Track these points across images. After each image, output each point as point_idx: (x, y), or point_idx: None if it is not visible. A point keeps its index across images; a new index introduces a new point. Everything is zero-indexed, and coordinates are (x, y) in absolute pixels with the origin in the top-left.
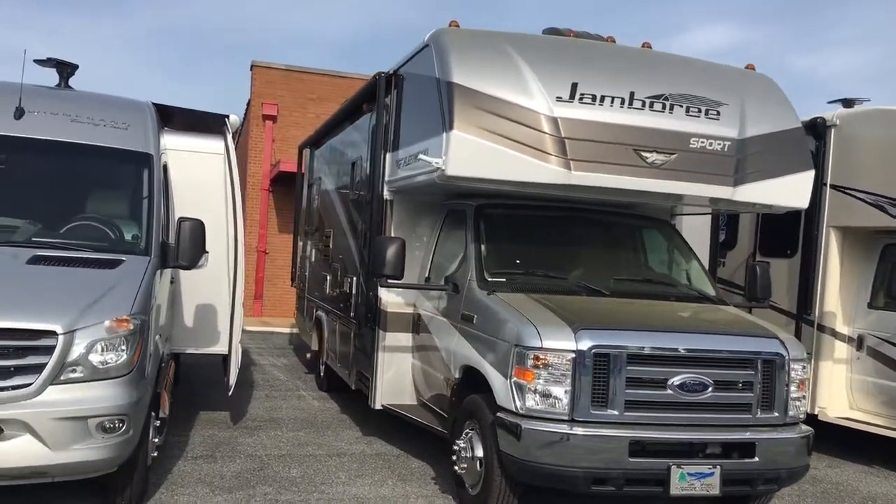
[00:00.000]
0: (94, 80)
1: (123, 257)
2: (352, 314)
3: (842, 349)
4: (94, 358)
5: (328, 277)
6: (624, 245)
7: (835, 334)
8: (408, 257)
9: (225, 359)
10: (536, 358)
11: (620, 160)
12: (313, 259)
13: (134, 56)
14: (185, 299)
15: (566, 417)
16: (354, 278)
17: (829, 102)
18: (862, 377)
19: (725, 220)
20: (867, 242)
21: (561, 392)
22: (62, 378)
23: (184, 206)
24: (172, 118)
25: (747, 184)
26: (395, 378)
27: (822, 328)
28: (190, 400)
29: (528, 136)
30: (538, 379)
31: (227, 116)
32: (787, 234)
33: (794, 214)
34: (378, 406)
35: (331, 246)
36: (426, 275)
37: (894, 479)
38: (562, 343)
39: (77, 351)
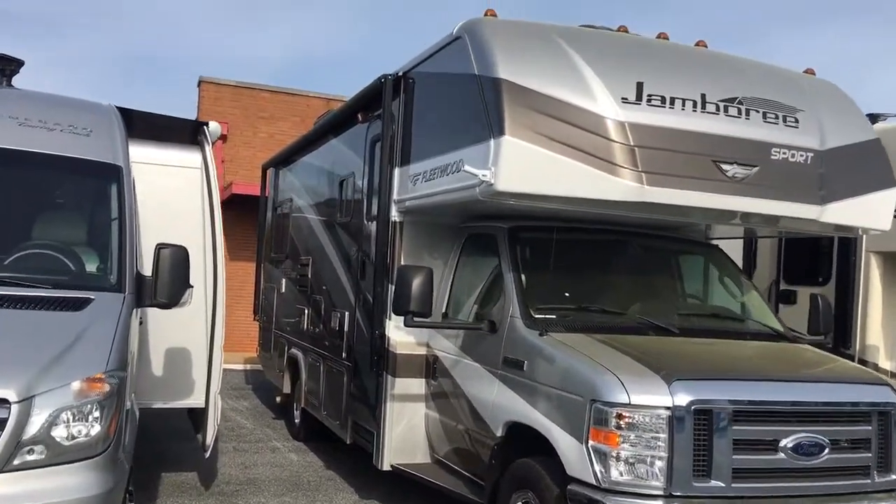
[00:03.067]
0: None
1: (91, 294)
2: (344, 355)
3: None
4: (59, 433)
5: (307, 311)
6: (674, 272)
7: (878, 370)
8: None
9: (192, 410)
10: (621, 416)
11: (698, 173)
12: (284, 289)
13: (71, 76)
14: (152, 342)
15: (662, 492)
16: (346, 313)
17: None
18: None
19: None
20: None
21: (655, 459)
22: (16, 462)
23: (150, 230)
24: (136, 125)
25: (834, 202)
26: (407, 433)
27: (863, 362)
28: (149, 457)
29: (593, 143)
30: (624, 443)
31: (206, 124)
32: (818, 259)
33: (824, 239)
34: (386, 467)
35: (310, 275)
36: (443, 310)
37: None
38: (654, 397)
39: (36, 424)
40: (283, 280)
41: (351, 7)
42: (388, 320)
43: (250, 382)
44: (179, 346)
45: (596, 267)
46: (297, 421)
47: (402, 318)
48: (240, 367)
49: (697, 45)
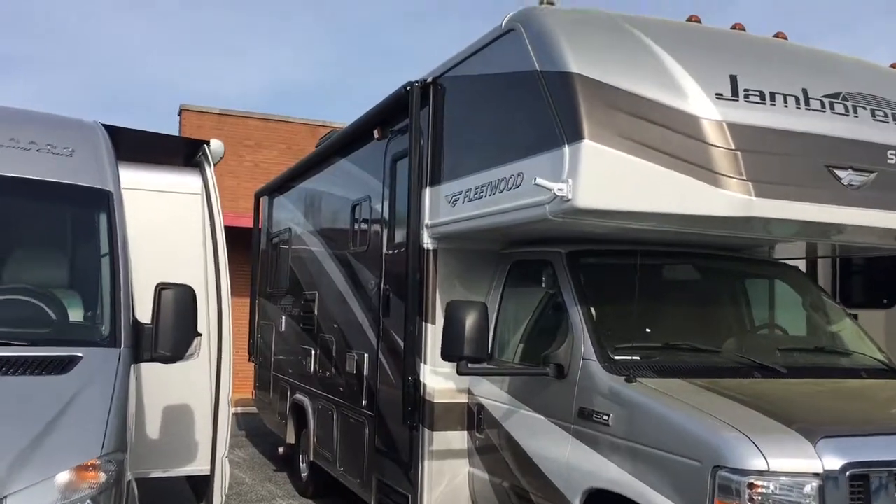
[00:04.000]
0: None
1: (79, 351)
2: (364, 403)
3: None
4: None
5: (314, 352)
6: (757, 298)
7: None
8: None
9: (193, 476)
10: (755, 486)
11: (811, 181)
12: (284, 328)
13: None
14: (147, 398)
15: None
16: (366, 356)
17: None
18: None
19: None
20: None
21: None
22: None
23: (144, 268)
24: (125, 144)
25: None
26: (448, 495)
27: None
28: None
29: (688, 148)
30: None
31: (207, 142)
32: (882, 280)
33: (888, 259)
34: None
35: (316, 312)
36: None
37: None
38: (799, 461)
39: None
40: (283, 317)
41: (326, 38)
42: (422, 364)
43: (244, 428)
44: (179, 403)
45: (672, 295)
46: (304, 475)
47: (448, 363)
48: (231, 410)
49: (777, 37)
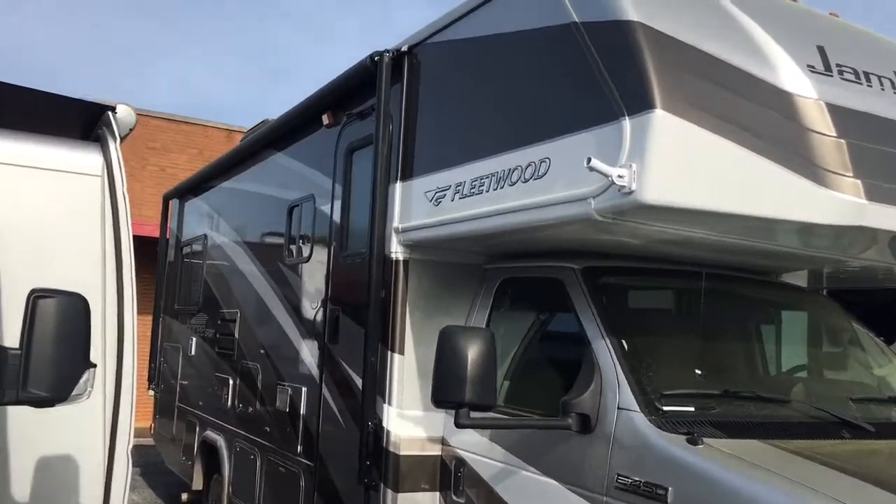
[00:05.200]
0: None
1: None
2: (300, 449)
3: None
4: None
5: (232, 382)
6: (797, 333)
7: None
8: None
9: None
10: None
11: None
12: (194, 351)
13: None
14: (12, 448)
15: None
16: (304, 390)
17: None
18: None
19: None
20: None
21: None
22: None
23: (14, 272)
24: None
25: None
26: None
27: None
28: None
29: (782, 131)
30: None
31: (113, 108)
32: (879, 316)
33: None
34: None
35: (237, 334)
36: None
37: None
38: None
39: None
40: (194, 339)
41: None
42: (386, 405)
43: (139, 464)
44: (58, 453)
45: (713, 326)
46: None
47: (438, 408)
48: (131, 463)
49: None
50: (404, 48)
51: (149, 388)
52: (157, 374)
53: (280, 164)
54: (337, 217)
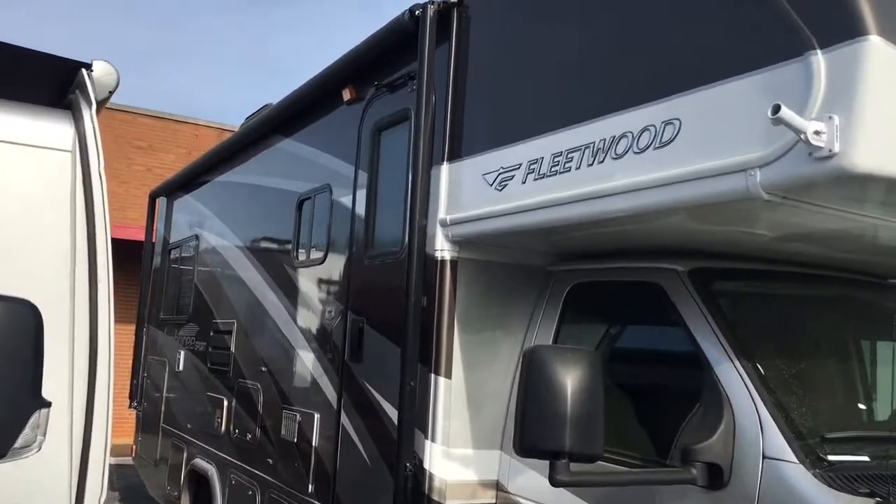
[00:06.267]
0: None
1: None
2: (311, 488)
3: None
4: None
5: (227, 403)
6: None
7: None
8: (476, 382)
9: None
10: None
11: None
12: (183, 367)
13: None
14: None
15: None
16: (316, 417)
17: None
18: None
19: None
20: None
21: None
22: None
23: None
24: None
25: None
26: None
27: None
28: None
29: None
30: None
31: (89, 65)
32: None
33: None
34: None
35: (233, 348)
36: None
37: None
38: None
39: None
40: (182, 352)
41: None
42: (428, 442)
43: (118, 487)
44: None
45: (871, 346)
46: None
47: (522, 457)
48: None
49: None
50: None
51: (130, 406)
52: (139, 392)
53: (287, 152)
54: (360, 210)
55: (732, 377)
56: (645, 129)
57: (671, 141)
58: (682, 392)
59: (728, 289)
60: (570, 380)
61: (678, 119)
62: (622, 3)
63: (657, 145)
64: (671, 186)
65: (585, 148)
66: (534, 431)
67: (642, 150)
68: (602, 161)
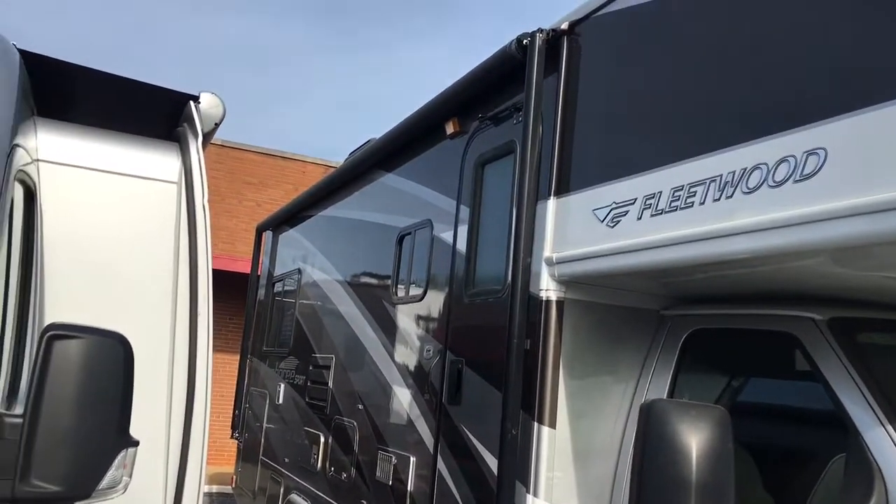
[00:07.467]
0: None
1: None
2: None
3: None
4: None
5: (323, 440)
6: None
7: None
8: (583, 434)
9: None
10: None
11: None
12: (282, 400)
13: None
14: None
15: None
16: (412, 460)
17: None
18: None
19: None
20: None
21: None
22: None
23: (64, 299)
24: (49, 86)
25: None
26: None
27: None
28: None
29: None
30: None
31: (196, 98)
32: None
33: None
34: None
35: (331, 384)
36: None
37: None
38: None
39: None
40: (282, 385)
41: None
42: (529, 496)
43: None
44: None
45: None
46: None
47: None
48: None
49: None
50: (563, 26)
51: (232, 436)
52: (241, 422)
53: (388, 186)
54: (462, 246)
55: (885, 445)
56: (783, 161)
57: (815, 172)
58: (819, 457)
59: (875, 342)
60: (695, 441)
61: (824, 148)
62: (760, 22)
63: (797, 178)
64: (813, 225)
65: (711, 181)
66: (653, 498)
67: (779, 184)
68: (731, 195)
